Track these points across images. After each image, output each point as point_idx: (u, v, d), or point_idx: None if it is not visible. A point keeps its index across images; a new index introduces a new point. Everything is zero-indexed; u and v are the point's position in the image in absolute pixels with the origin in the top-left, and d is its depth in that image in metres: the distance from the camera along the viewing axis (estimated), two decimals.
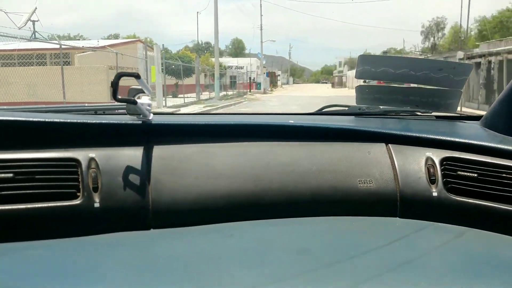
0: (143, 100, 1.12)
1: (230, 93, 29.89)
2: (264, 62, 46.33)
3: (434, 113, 1.68)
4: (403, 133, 1.27)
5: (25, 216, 0.96)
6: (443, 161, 1.19)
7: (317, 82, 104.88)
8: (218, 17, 21.84)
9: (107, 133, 1.12)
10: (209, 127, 1.22)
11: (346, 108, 1.70)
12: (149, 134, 1.13)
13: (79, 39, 39.42)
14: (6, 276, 0.73)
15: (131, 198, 1.03)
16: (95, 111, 1.32)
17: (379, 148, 1.23)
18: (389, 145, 1.24)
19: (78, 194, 1.00)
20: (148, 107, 1.13)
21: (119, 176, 1.04)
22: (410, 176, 1.18)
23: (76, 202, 0.99)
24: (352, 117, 1.64)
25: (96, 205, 1.00)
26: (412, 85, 1.73)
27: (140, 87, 1.13)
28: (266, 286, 0.69)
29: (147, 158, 1.08)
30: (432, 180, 1.17)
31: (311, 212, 1.10)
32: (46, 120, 1.07)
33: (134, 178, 1.05)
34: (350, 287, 0.68)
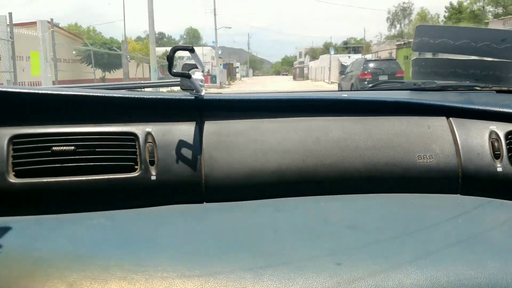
0: (196, 75, 1.10)
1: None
2: (220, 52, 40.51)
3: (494, 87, 1.58)
4: (465, 106, 1.21)
5: (86, 187, 0.99)
6: (508, 134, 1.13)
7: (278, 74, 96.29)
8: None
9: (162, 108, 1.13)
10: (260, 102, 1.20)
11: (399, 84, 1.61)
12: (201, 109, 1.14)
13: None
14: (70, 243, 0.76)
15: (185, 172, 1.05)
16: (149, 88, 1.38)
17: (439, 122, 1.17)
18: (450, 118, 1.18)
19: (136, 167, 1.02)
20: (201, 83, 1.11)
21: (173, 150, 1.06)
22: (473, 151, 1.12)
23: (135, 174, 1.02)
24: (407, 91, 1.55)
25: (153, 177, 1.02)
26: (471, 57, 1.64)
27: (194, 62, 1.12)
28: (323, 258, 0.69)
29: (200, 133, 1.09)
30: (497, 155, 1.11)
31: (366, 189, 1.07)
32: (106, 95, 1.08)
33: (188, 153, 1.06)
34: (410, 262, 0.66)
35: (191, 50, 1.05)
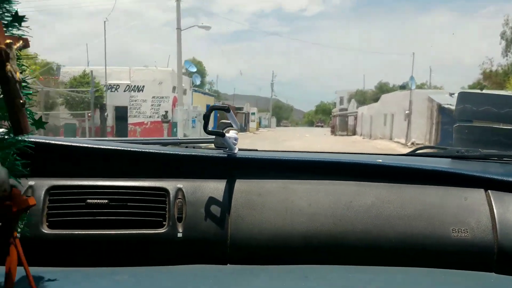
0: (231, 134, 1.13)
1: None
2: (198, 82, 22.48)
3: None
4: (505, 178, 1.16)
5: (115, 241, 1.00)
6: None
7: (311, 124, 79.09)
8: None
9: (194, 164, 1.16)
10: (292, 163, 1.20)
11: (442, 151, 1.56)
12: (233, 168, 1.15)
13: None
14: None
15: (211, 231, 1.04)
16: (185, 144, 1.37)
17: (477, 194, 1.13)
18: (489, 191, 1.14)
19: (164, 223, 1.03)
20: (234, 141, 1.14)
21: (202, 208, 1.06)
22: (511, 226, 1.07)
23: (162, 230, 1.02)
24: (449, 159, 1.51)
25: (179, 235, 1.02)
26: None
27: (229, 121, 1.14)
28: None
29: (230, 191, 1.09)
30: None
31: (397, 261, 1.03)
32: (142, 150, 1.12)
33: (216, 211, 1.06)
34: None
35: (227, 110, 1.08)
